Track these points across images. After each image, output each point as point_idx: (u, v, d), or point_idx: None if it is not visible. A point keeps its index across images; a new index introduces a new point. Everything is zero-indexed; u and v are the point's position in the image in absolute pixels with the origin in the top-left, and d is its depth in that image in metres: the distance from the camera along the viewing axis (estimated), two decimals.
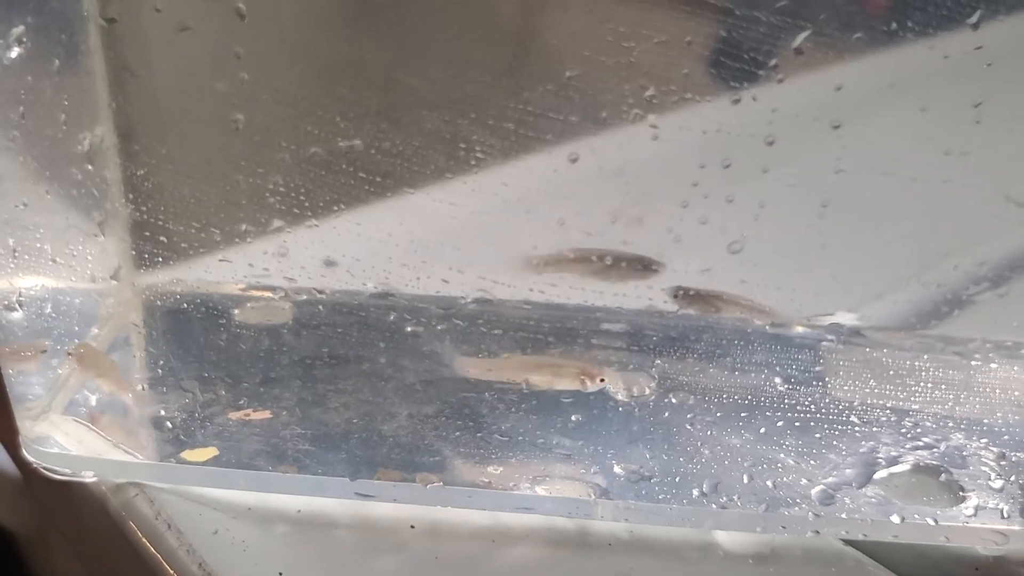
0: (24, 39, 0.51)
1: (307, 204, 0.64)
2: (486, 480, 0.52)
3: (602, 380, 0.56)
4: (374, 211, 0.65)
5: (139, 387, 0.58)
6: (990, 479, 0.54)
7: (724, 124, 0.62)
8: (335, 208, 0.65)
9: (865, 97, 0.61)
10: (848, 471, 0.54)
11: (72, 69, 0.57)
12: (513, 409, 0.57)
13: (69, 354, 0.56)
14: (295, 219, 0.65)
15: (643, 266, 0.60)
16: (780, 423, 0.56)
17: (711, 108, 0.61)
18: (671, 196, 0.64)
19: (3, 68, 0.50)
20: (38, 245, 0.55)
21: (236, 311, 0.64)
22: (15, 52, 0.50)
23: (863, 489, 0.53)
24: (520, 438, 0.55)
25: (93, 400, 0.57)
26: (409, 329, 0.63)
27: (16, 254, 0.52)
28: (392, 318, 0.64)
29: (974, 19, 0.58)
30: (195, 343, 0.62)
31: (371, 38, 0.63)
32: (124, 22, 0.60)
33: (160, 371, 0.60)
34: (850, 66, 0.60)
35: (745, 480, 0.52)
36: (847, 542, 0.52)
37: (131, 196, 0.63)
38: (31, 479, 0.64)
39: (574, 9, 0.60)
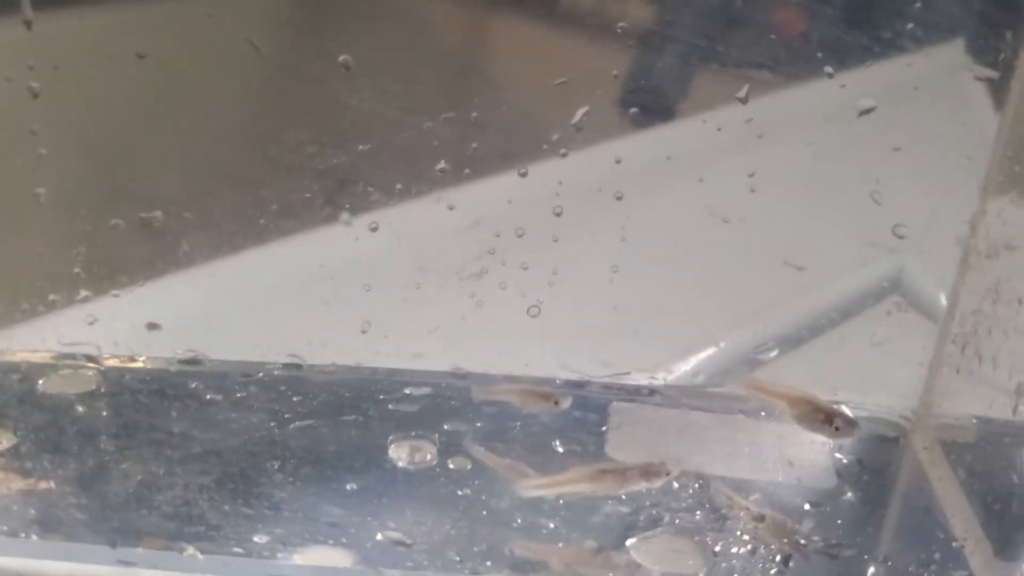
0: None
1: (112, 273, 0.66)
2: (242, 550, 0.53)
3: (668, 473, 0.57)
4: (182, 279, 0.67)
5: None
6: (742, 544, 0.55)
7: (515, 196, 0.64)
8: (140, 277, 0.66)
9: (644, 169, 0.63)
10: (605, 535, 0.55)
11: None
12: (291, 479, 0.58)
13: None
14: (101, 288, 0.66)
15: None
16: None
17: (501, 180, 0.63)
18: (471, 264, 0.66)
19: None
20: None
21: (41, 380, 0.65)
22: None
23: (612, 553, 0.54)
24: (289, 507, 0.56)
25: None
26: (209, 397, 0.65)
27: None
28: (194, 386, 0.66)
29: (742, 93, 0.60)
30: None
31: (167, 115, 0.65)
32: None
33: None
34: (627, 139, 0.63)
35: (485, 547, 0.53)
36: None
37: None
38: None
39: (365, 88, 0.62)
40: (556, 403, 0.61)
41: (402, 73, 0.63)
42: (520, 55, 0.65)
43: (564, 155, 0.62)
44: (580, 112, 0.61)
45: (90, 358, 0.67)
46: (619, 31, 0.61)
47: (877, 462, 0.62)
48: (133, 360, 0.68)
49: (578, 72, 0.61)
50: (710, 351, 0.66)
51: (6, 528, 0.55)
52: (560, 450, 0.61)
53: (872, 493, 0.60)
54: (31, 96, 0.60)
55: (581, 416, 0.64)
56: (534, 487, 0.56)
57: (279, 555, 0.53)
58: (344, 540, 0.54)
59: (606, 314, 0.66)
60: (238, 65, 0.63)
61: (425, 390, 0.67)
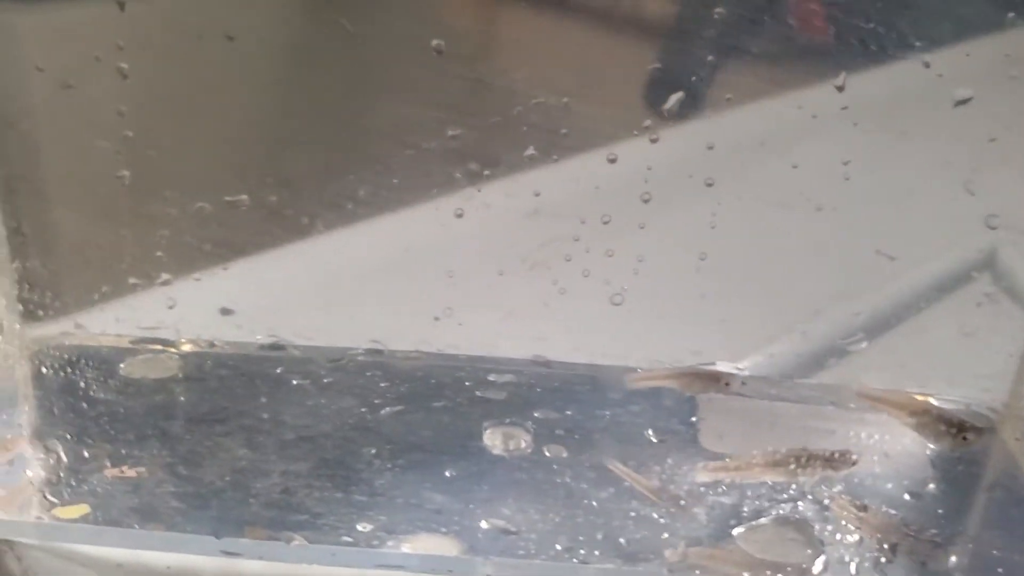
0: None
1: (195, 257, 0.65)
2: (351, 538, 0.53)
3: (854, 463, 0.56)
4: (264, 263, 0.66)
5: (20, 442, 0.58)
6: (848, 533, 0.55)
7: (601, 182, 0.63)
8: (224, 260, 0.65)
9: (736, 155, 0.63)
10: (710, 526, 0.55)
11: None
12: (388, 466, 0.58)
13: None
14: (183, 272, 0.65)
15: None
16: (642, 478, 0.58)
17: (590, 166, 0.63)
18: (555, 250, 0.65)
19: None
20: None
21: (123, 365, 0.64)
22: None
23: (723, 544, 0.54)
24: (391, 495, 0.56)
25: None
26: (295, 382, 0.64)
27: None
28: (279, 371, 0.65)
29: (840, 81, 0.59)
30: (79, 397, 0.62)
31: (255, 97, 0.64)
32: (5, 80, 0.60)
33: (41, 426, 0.60)
34: (720, 125, 0.62)
35: (599, 537, 0.53)
36: None
37: (17, 251, 0.64)
38: None
39: (457, 72, 0.62)
40: (727, 384, 0.61)
41: (493, 59, 0.62)
42: (612, 40, 0.64)
43: (655, 141, 0.61)
44: (673, 98, 0.60)
45: (170, 343, 0.67)
46: (716, 16, 0.60)
47: (969, 452, 0.62)
48: (213, 345, 0.67)
49: (671, 58, 0.61)
50: (799, 341, 0.66)
51: (105, 518, 0.54)
52: (654, 440, 0.61)
53: (968, 483, 0.60)
54: (120, 77, 0.59)
55: (670, 406, 0.64)
56: (712, 470, 0.55)
57: (388, 543, 0.52)
58: (450, 528, 0.54)
59: (692, 302, 0.65)
60: (328, 47, 0.62)
61: (508, 377, 0.66)
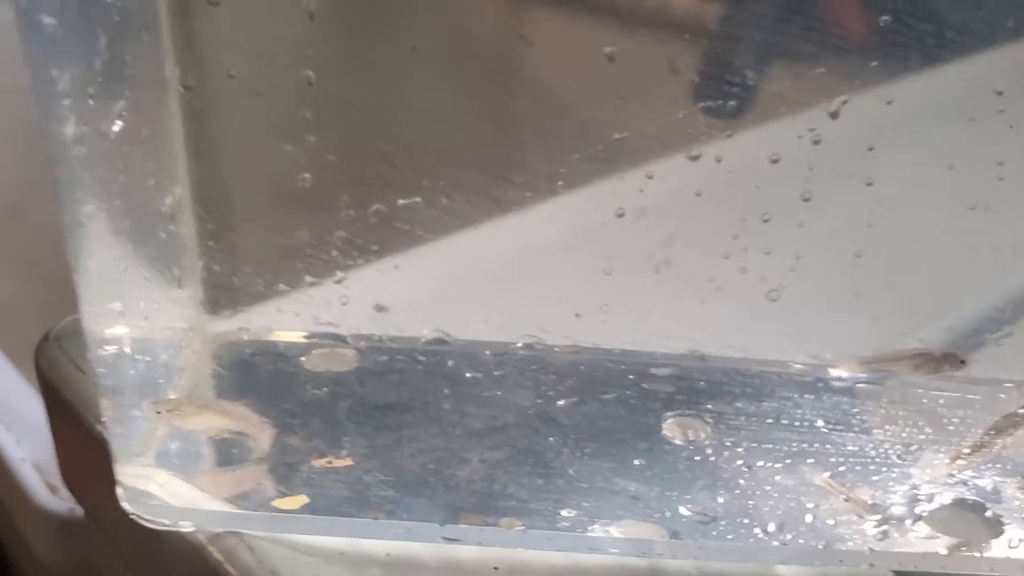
0: (124, 112, 0.54)
1: (368, 256, 0.68)
2: (565, 524, 0.55)
3: None
4: (427, 259, 0.69)
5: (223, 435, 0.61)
6: (1020, 511, 0.58)
7: (763, 182, 0.66)
8: (394, 259, 0.68)
9: (896, 157, 0.66)
10: (895, 508, 0.58)
11: (157, 135, 0.60)
12: (577, 454, 0.61)
13: (157, 412, 0.58)
14: (356, 270, 0.68)
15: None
16: (826, 466, 0.60)
17: (751, 167, 0.66)
18: (712, 248, 0.68)
19: (110, 142, 0.52)
20: (133, 304, 0.58)
21: (303, 359, 0.67)
22: (118, 126, 0.53)
23: (911, 524, 0.57)
24: (588, 482, 0.58)
25: (183, 451, 0.60)
26: (468, 375, 0.67)
27: (122, 315, 0.55)
28: (451, 364, 0.68)
29: (1000, 87, 0.62)
30: (268, 391, 0.65)
31: (431, 104, 0.66)
32: (200, 88, 0.63)
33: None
34: (881, 128, 0.65)
35: (808, 520, 0.56)
36: (898, 574, 0.56)
37: (203, 250, 0.66)
38: (101, 523, 0.66)
39: (625, 81, 0.64)
40: (963, 362, 0.63)
41: (664, 65, 0.65)
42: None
43: (817, 143, 0.64)
44: (838, 100, 0.63)
45: (341, 338, 0.69)
46: (881, 25, 0.63)
47: None
48: (381, 340, 0.69)
49: (836, 61, 0.64)
50: (946, 336, 0.69)
51: (324, 508, 0.56)
52: (824, 430, 0.64)
53: None
54: (307, 84, 0.62)
55: (830, 399, 0.67)
56: (961, 461, 0.58)
57: (596, 528, 0.55)
58: (652, 514, 0.57)
59: (846, 299, 0.68)
60: (502, 55, 0.64)
61: (668, 371, 0.69)
